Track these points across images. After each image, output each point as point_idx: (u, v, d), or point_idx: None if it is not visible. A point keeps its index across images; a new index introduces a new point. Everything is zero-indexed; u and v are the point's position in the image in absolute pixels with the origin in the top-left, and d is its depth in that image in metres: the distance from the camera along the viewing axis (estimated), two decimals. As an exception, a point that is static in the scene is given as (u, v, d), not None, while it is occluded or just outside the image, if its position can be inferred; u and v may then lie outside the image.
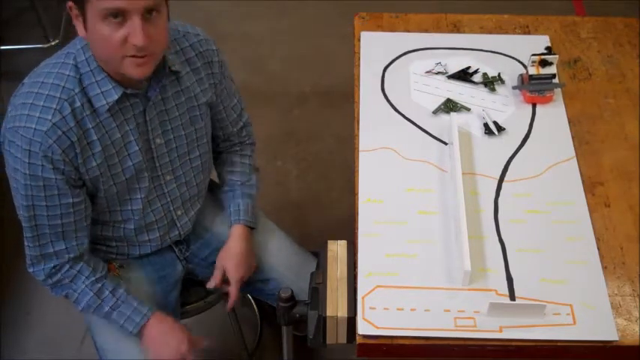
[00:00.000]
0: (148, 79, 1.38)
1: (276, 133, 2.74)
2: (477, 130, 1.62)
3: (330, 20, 3.14)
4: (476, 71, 1.74)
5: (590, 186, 1.52)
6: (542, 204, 1.48)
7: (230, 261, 1.60)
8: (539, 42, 1.80)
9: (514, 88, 1.70)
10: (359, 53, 1.79)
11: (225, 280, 1.62)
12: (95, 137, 1.36)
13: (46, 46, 2.89)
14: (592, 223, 1.45)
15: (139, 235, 1.57)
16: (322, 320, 1.34)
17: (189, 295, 1.74)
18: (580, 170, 1.54)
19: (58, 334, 2.18)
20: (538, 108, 1.67)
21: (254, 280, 1.67)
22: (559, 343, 1.29)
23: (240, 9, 3.24)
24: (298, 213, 2.50)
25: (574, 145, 1.59)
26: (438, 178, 1.53)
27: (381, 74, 1.74)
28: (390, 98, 1.69)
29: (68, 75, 1.34)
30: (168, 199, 1.55)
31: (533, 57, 1.69)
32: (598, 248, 1.41)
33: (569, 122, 1.64)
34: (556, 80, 1.67)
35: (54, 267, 1.46)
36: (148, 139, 1.44)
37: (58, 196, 1.38)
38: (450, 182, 1.51)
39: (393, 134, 1.61)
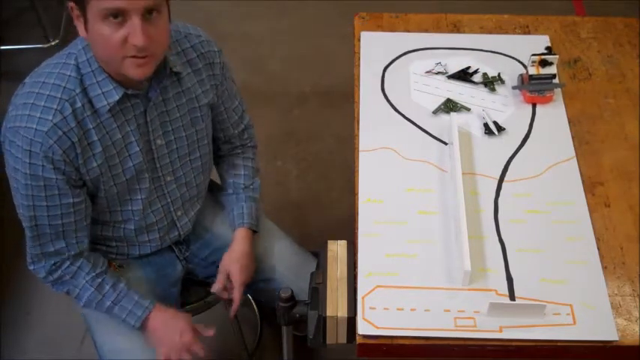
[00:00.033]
0: (148, 79, 1.38)
1: (276, 133, 2.74)
2: (477, 130, 1.62)
3: (330, 20, 3.14)
4: (476, 71, 1.74)
5: (590, 186, 1.52)
6: (542, 204, 1.48)
7: (234, 265, 1.59)
8: (539, 42, 1.80)
9: (514, 88, 1.70)
10: (359, 53, 1.79)
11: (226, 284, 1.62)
12: (96, 138, 1.36)
13: (46, 46, 2.89)
14: (592, 223, 1.45)
15: (139, 236, 1.57)
16: (322, 320, 1.34)
17: (189, 295, 1.74)
18: (580, 170, 1.54)
19: (58, 334, 2.18)
20: (538, 108, 1.67)
21: (254, 281, 1.67)
22: (559, 343, 1.29)
23: (240, 9, 3.25)
24: (298, 213, 2.50)
25: (574, 145, 1.59)
26: (438, 178, 1.53)
27: (381, 74, 1.74)
28: (390, 98, 1.69)
29: (69, 75, 1.34)
30: (169, 200, 1.55)
31: (533, 57, 1.69)
32: (598, 248, 1.41)
33: (569, 122, 1.64)
34: (556, 80, 1.67)
35: (54, 264, 1.46)
36: (149, 139, 1.44)
37: (59, 196, 1.38)
38: (450, 182, 1.51)
39: (393, 134, 1.61)
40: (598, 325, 1.30)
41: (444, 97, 1.69)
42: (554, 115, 1.65)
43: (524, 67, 1.74)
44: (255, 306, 2.18)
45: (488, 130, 1.61)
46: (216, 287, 1.60)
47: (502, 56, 1.78)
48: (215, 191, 1.73)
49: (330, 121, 2.77)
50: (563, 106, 1.67)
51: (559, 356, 1.31)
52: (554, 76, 1.67)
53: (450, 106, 1.66)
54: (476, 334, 1.28)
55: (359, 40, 1.82)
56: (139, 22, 1.23)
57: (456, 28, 1.86)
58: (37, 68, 1.38)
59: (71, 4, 1.28)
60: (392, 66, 1.76)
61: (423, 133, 1.62)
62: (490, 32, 1.86)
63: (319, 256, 1.45)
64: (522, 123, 1.64)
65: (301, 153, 2.70)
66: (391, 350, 1.30)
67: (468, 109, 1.66)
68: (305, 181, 2.62)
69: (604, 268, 1.38)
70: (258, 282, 1.68)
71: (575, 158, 1.56)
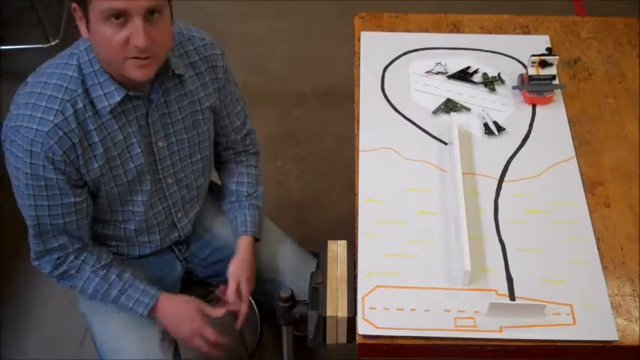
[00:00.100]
0: (150, 81, 1.38)
1: (276, 133, 2.74)
2: (477, 130, 1.62)
3: (330, 20, 3.14)
4: (476, 71, 1.74)
5: (590, 186, 1.52)
6: (542, 204, 1.48)
7: (245, 273, 1.59)
8: (539, 42, 1.80)
9: (514, 88, 1.70)
10: (359, 53, 1.79)
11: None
12: (97, 139, 1.36)
13: (46, 46, 2.88)
14: (592, 223, 1.45)
15: (140, 236, 1.57)
16: (322, 320, 1.34)
17: (188, 294, 1.74)
18: (580, 170, 1.54)
19: (58, 334, 2.18)
20: (538, 108, 1.67)
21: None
22: (559, 343, 1.29)
23: (240, 9, 3.24)
24: (298, 213, 2.50)
25: (574, 145, 1.59)
26: (438, 178, 1.53)
27: (381, 74, 1.74)
28: (390, 98, 1.69)
29: (71, 76, 1.34)
30: (170, 202, 1.55)
31: (532, 57, 1.69)
32: (598, 248, 1.41)
33: (569, 122, 1.64)
34: (556, 81, 1.67)
35: (58, 258, 1.46)
36: (151, 141, 1.44)
37: (60, 196, 1.38)
38: (450, 182, 1.51)
39: (393, 134, 1.61)
40: (598, 325, 1.30)
41: (444, 97, 1.69)
42: (554, 115, 1.65)
43: (524, 67, 1.74)
44: (255, 306, 2.18)
45: (488, 130, 1.61)
46: (231, 296, 1.57)
47: (502, 56, 1.78)
48: (215, 191, 1.73)
49: (330, 121, 2.77)
50: (563, 106, 1.67)
51: (559, 356, 1.31)
52: (553, 77, 1.67)
53: (450, 106, 1.66)
54: (476, 334, 1.28)
55: (359, 40, 1.82)
56: (141, 23, 1.23)
57: (456, 28, 1.86)
58: (39, 68, 1.38)
59: (74, 4, 1.28)
60: (392, 66, 1.76)
61: (423, 133, 1.62)
62: (490, 32, 1.86)
63: (319, 256, 1.45)
64: (522, 123, 1.64)
65: (301, 153, 2.70)
66: (391, 350, 1.30)
67: (468, 109, 1.66)
68: (305, 181, 2.62)
69: (604, 268, 1.38)
70: (258, 282, 1.68)
71: (575, 158, 1.56)
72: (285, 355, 1.65)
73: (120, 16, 1.22)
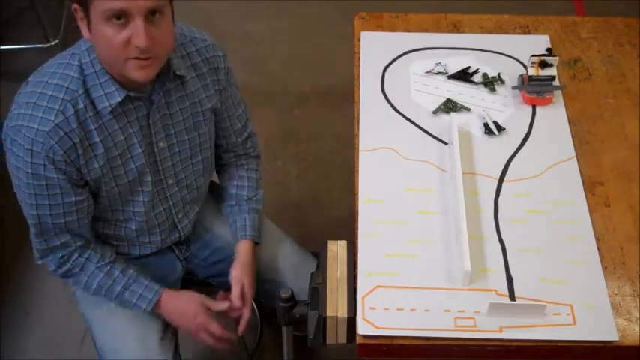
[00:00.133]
0: (152, 82, 1.38)
1: (276, 133, 2.74)
2: (477, 130, 1.62)
3: (330, 20, 3.14)
4: (476, 71, 1.74)
5: (590, 186, 1.52)
6: (542, 204, 1.48)
7: (248, 277, 1.59)
8: (539, 42, 1.80)
9: (514, 88, 1.70)
10: (359, 53, 1.79)
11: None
12: (98, 139, 1.36)
13: (46, 46, 2.88)
14: (592, 223, 1.45)
15: (140, 236, 1.57)
16: (322, 320, 1.34)
17: (189, 294, 1.74)
18: (580, 170, 1.54)
19: (58, 334, 2.18)
20: (538, 108, 1.67)
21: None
22: (559, 343, 1.29)
23: (240, 9, 3.24)
24: (298, 213, 2.50)
25: (574, 145, 1.59)
26: (438, 178, 1.53)
27: (381, 74, 1.74)
28: (390, 98, 1.69)
29: (72, 76, 1.34)
30: (171, 203, 1.55)
31: (532, 58, 1.69)
32: (598, 248, 1.41)
33: (569, 122, 1.64)
34: (556, 82, 1.67)
35: (62, 257, 1.47)
36: (151, 142, 1.44)
37: (61, 195, 1.38)
38: (450, 182, 1.51)
39: (393, 134, 1.61)
40: (598, 325, 1.30)
41: (444, 97, 1.69)
42: (554, 115, 1.65)
43: (524, 67, 1.74)
44: (255, 306, 2.18)
45: (488, 130, 1.61)
46: (236, 301, 1.57)
47: (502, 56, 1.78)
48: (215, 192, 1.73)
49: (330, 121, 2.77)
50: (563, 106, 1.67)
51: (559, 356, 1.31)
52: (553, 77, 1.67)
53: (450, 106, 1.66)
54: (476, 334, 1.28)
55: (359, 40, 1.82)
56: (142, 24, 1.23)
57: (456, 28, 1.86)
58: (41, 67, 1.38)
59: (75, 5, 1.27)
60: (392, 66, 1.76)
61: (423, 133, 1.62)
62: (490, 32, 1.86)
63: (319, 256, 1.45)
64: (522, 123, 1.64)
65: (301, 153, 2.70)
66: (391, 350, 1.30)
67: (468, 109, 1.66)
68: (305, 181, 2.62)
69: (604, 268, 1.38)
70: (257, 282, 1.68)
71: (575, 158, 1.56)
72: (285, 355, 1.65)
73: (121, 16, 1.22)
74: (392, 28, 1.86)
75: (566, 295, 1.33)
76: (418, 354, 1.31)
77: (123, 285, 1.50)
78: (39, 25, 2.87)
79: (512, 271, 1.38)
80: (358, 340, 1.30)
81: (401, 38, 1.82)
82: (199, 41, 1.47)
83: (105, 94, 1.34)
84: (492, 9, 1.95)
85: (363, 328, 1.29)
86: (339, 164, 2.62)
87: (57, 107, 1.32)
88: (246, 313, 1.58)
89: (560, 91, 1.69)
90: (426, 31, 1.85)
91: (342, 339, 1.37)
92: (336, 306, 1.34)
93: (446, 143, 1.59)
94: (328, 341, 1.38)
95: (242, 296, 1.57)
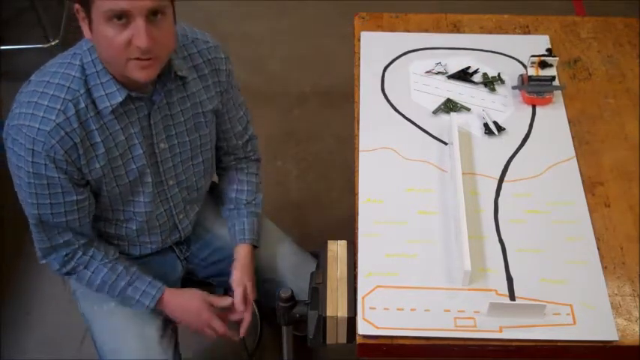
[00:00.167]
0: (153, 83, 1.38)
1: (276, 133, 2.74)
2: (477, 130, 1.62)
3: (330, 20, 3.14)
4: (476, 71, 1.74)
5: (590, 186, 1.52)
6: (542, 204, 1.48)
7: (249, 281, 1.60)
8: (539, 42, 1.80)
9: (514, 88, 1.70)
10: (359, 53, 1.79)
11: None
12: (99, 139, 1.36)
13: (46, 46, 2.88)
14: (592, 223, 1.45)
15: (141, 236, 1.57)
16: (322, 320, 1.34)
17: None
18: (580, 170, 1.54)
19: (58, 334, 2.18)
20: (538, 108, 1.67)
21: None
22: (559, 343, 1.29)
23: (240, 9, 3.24)
24: (298, 213, 2.50)
25: (574, 145, 1.59)
26: (438, 178, 1.53)
27: (381, 74, 1.74)
28: (390, 98, 1.69)
29: (74, 76, 1.34)
30: (171, 204, 1.55)
31: (532, 58, 1.69)
32: (598, 248, 1.41)
33: (569, 122, 1.64)
34: (556, 82, 1.67)
35: (66, 255, 1.47)
36: (152, 143, 1.44)
37: (62, 194, 1.38)
38: (450, 182, 1.51)
39: (393, 134, 1.61)
40: (598, 325, 1.30)
41: (444, 97, 1.69)
42: (554, 115, 1.65)
43: (524, 67, 1.74)
44: (255, 306, 2.18)
45: (488, 130, 1.61)
46: (239, 304, 1.57)
47: (502, 56, 1.78)
48: (216, 193, 1.73)
49: (330, 121, 2.77)
50: (563, 106, 1.67)
51: (559, 356, 1.31)
52: (553, 78, 1.67)
53: (450, 106, 1.66)
54: (476, 334, 1.28)
55: (359, 40, 1.82)
56: (143, 24, 1.23)
57: (456, 28, 1.86)
58: (43, 67, 1.38)
59: (77, 5, 1.28)
60: (392, 66, 1.76)
61: (423, 133, 1.62)
62: (490, 32, 1.86)
63: (319, 256, 1.45)
64: (522, 123, 1.64)
65: (301, 153, 2.70)
66: (391, 350, 1.30)
67: (468, 109, 1.66)
68: (305, 181, 2.62)
69: (604, 268, 1.38)
70: (257, 282, 1.68)
71: (575, 158, 1.56)
72: (285, 355, 1.65)
73: (122, 16, 1.22)
74: (392, 28, 1.86)
75: (566, 295, 1.33)
76: (418, 354, 1.31)
77: (127, 281, 1.51)
78: (39, 25, 2.86)
79: (512, 271, 1.38)
80: (358, 340, 1.30)
81: (401, 38, 1.82)
82: (202, 42, 1.47)
83: (106, 94, 1.34)
84: (492, 9, 1.95)
85: (363, 328, 1.29)
86: (339, 164, 2.62)
87: (58, 107, 1.32)
88: (247, 317, 1.59)
89: (560, 92, 1.69)
90: (426, 31, 1.85)
91: (342, 339, 1.37)
92: (336, 306, 1.34)
93: (446, 143, 1.59)
94: (328, 341, 1.38)
95: (245, 299, 1.58)
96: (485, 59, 1.77)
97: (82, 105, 1.33)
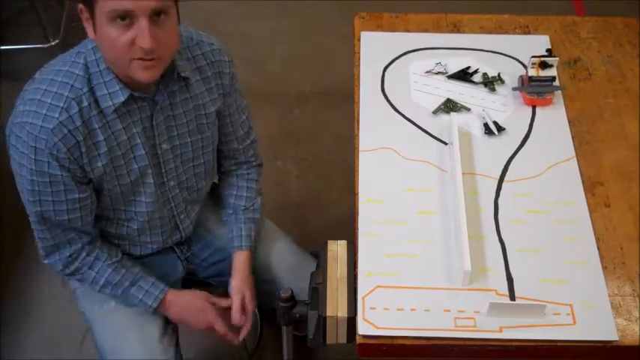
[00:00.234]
0: (156, 83, 1.38)
1: (276, 133, 2.74)
2: (477, 130, 1.62)
3: (330, 20, 3.14)
4: (476, 71, 1.74)
5: (590, 186, 1.52)
6: (542, 204, 1.48)
7: (249, 290, 1.60)
8: (539, 42, 1.80)
9: (514, 89, 1.70)
10: (359, 53, 1.79)
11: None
12: (101, 138, 1.36)
13: (46, 46, 2.88)
14: (592, 223, 1.45)
15: (142, 236, 1.57)
16: (322, 320, 1.34)
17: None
18: (580, 170, 1.54)
19: (58, 334, 2.18)
20: (538, 108, 1.67)
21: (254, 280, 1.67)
22: (559, 343, 1.29)
23: (240, 9, 3.24)
24: (298, 213, 2.50)
25: (574, 145, 1.59)
26: (438, 178, 1.53)
27: (381, 74, 1.74)
28: (390, 98, 1.69)
29: (77, 74, 1.34)
30: (172, 204, 1.55)
31: (532, 59, 1.69)
32: (598, 248, 1.41)
33: (569, 122, 1.64)
34: (556, 83, 1.67)
35: (70, 256, 1.47)
36: (155, 143, 1.44)
37: (65, 192, 1.38)
38: (450, 182, 1.51)
39: (393, 134, 1.61)
40: (598, 325, 1.30)
41: (444, 97, 1.69)
42: (554, 115, 1.65)
43: (524, 67, 1.74)
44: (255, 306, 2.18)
45: (488, 130, 1.61)
46: (236, 315, 1.58)
47: (502, 56, 1.78)
48: (217, 194, 1.72)
49: (330, 121, 2.77)
50: (563, 106, 1.67)
51: (559, 356, 1.31)
52: (553, 78, 1.67)
53: (450, 106, 1.66)
54: (476, 334, 1.28)
55: (359, 40, 1.82)
56: (147, 24, 1.23)
57: (456, 28, 1.86)
58: (47, 65, 1.38)
59: (80, 5, 1.28)
60: (392, 66, 1.76)
61: (423, 133, 1.62)
62: (490, 32, 1.86)
63: (319, 256, 1.45)
64: (522, 123, 1.64)
65: (301, 153, 2.70)
66: (391, 350, 1.30)
67: (468, 109, 1.66)
68: (305, 181, 2.62)
69: (604, 268, 1.38)
70: (257, 282, 1.68)
71: (575, 158, 1.56)
72: (285, 355, 1.65)
73: (125, 17, 1.22)
74: (392, 28, 1.86)
75: (566, 295, 1.33)
76: (418, 354, 1.31)
77: (130, 281, 1.51)
78: (39, 25, 2.86)
79: (513, 271, 1.38)
80: (358, 340, 1.30)
81: (401, 38, 1.82)
82: (206, 45, 1.47)
83: (109, 93, 1.34)
84: (492, 9, 1.95)
85: (363, 328, 1.29)
86: (339, 164, 2.62)
87: (61, 105, 1.32)
88: (247, 324, 1.60)
89: (560, 92, 1.69)
90: (426, 31, 1.85)
91: (342, 339, 1.37)
92: (336, 306, 1.34)
93: (446, 143, 1.59)
94: (328, 341, 1.38)
95: (244, 308, 1.59)
96: (485, 59, 1.77)
97: (85, 103, 1.33)
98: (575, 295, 1.33)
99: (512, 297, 1.34)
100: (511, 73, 1.73)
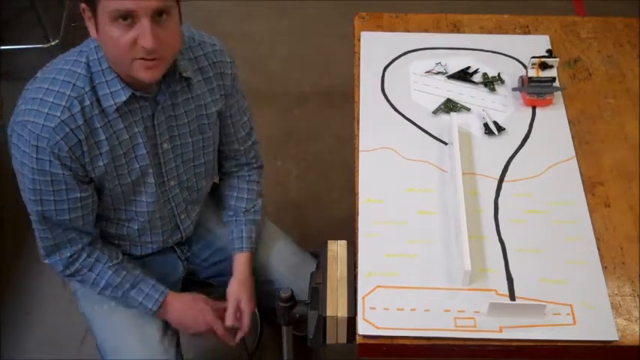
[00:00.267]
0: (158, 83, 1.38)
1: (276, 133, 2.74)
2: (477, 130, 1.62)
3: (330, 20, 3.14)
4: (476, 71, 1.74)
5: (590, 186, 1.52)
6: (542, 204, 1.48)
7: (246, 294, 1.60)
8: (539, 42, 1.80)
9: (514, 89, 1.70)
10: (359, 53, 1.79)
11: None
12: (103, 137, 1.37)
13: (46, 46, 2.88)
14: (592, 223, 1.45)
15: (142, 236, 1.57)
16: (322, 320, 1.34)
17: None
18: (580, 170, 1.54)
19: (58, 334, 2.18)
20: (538, 108, 1.67)
21: (254, 280, 1.67)
22: (559, 343, 1.29)
23: (240, 9, 3.25)
24: (298, 213, 2.50)
25: (574, 145, 1.59)
26: (438, 178, 1.53)
27: (381, 74, 1.74)
28: (390, 98, 1.69)
29: (80, 73, 1.34)
30: (173, 204, 1.55)
31: (533, 59, 1.69)
32: (598, 248, 1.41)
33: (569, 122, 1.64)
34: (556, 83, 1.67)
35: (71, 256, 1.47)
36: (156, 143, 1.44)
37: (66, 191, 1.38)
38: (450, 182, 1.51)
39: (393, 134, 1.61)
40: (598, 325, 1.30)
41: (444, 97, 1.69)
42: (554, 116, 1.65)
43: (525, 67, 1.74)
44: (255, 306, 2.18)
45: (488, 130, 1.61)
46: (229, 318, 1.58)
47: (502, 56, 1.78)
48: (217, 194, 1.72)
49: (330, 121, 2.77)
50: (563, 106, 1.67)
51: (559, 356, 1.31)
52: (553, 79, 1.67)
53: (450, 106, 1.66)
54: (476, 334, 1.28)
55: (359, 40, 1.82)
56: (149, 24, 1.23)
57: (456, 28, 1.86)
58: (49, 63, 1.38)
59: (83, 5, 1.28)
60: (392, 66, 1.76)
61: (423, 133, 1.62)
62: (490, 32, 1.86)
63: (319, 256, 1.45)
64: (522, 123, 1.64)
65: (301, 153, 2.70)
66: (391, 350, 1.30)
67: (468, 109, 1.66)
68: (305, 181, 2.62)
69: (604, 268, 1.38)
70: (257, 282, 1.68)
71: (575, 158, 1.56)
72: (285, 355, 1.65)
73: (127, 17, 1.22)
74: (392, 28, 1.86)
75: (566, 295, 1.33)
76: (418, 354, 1.31)
77: (131, 283, 1.51)
78: (39, 25, 2.86)
79: (512, 271, 1.38)
80: (358, 340, 1.30)
81: (401, 38, 1.83)
82: (208, 45, 1.47)
83: (110, 92, 1.34)
84: (492, 9, 1.95)
85: (363, 328, 1.29)
86: (339, 164, 2.62)
87: (63, 103, 1.32)
88: (243, 327, 1.60)
89: (560, 92, 1.69)
90: (426, 31, 1.85)
91: (342, 339, 1.37)
92: (336, 306, 1.34)
93: (446, 143, 1.59)
94: (328, 341, 1.38)
95: (239, 311, 1.59)
96: (485, 59, 1.77)
97: (87, 102, 1.33)
98: (575, 295, 1.33)
99: (512, 297, 1.34)
100: (511, 73, 1.73)
